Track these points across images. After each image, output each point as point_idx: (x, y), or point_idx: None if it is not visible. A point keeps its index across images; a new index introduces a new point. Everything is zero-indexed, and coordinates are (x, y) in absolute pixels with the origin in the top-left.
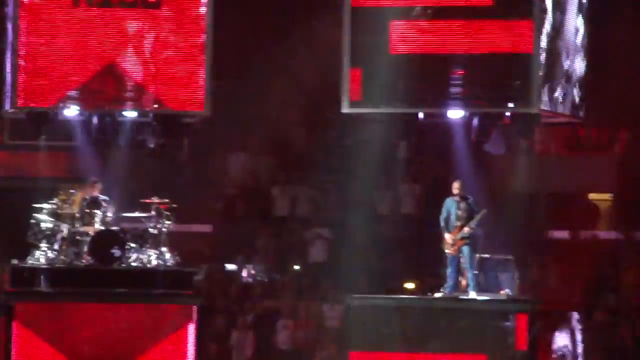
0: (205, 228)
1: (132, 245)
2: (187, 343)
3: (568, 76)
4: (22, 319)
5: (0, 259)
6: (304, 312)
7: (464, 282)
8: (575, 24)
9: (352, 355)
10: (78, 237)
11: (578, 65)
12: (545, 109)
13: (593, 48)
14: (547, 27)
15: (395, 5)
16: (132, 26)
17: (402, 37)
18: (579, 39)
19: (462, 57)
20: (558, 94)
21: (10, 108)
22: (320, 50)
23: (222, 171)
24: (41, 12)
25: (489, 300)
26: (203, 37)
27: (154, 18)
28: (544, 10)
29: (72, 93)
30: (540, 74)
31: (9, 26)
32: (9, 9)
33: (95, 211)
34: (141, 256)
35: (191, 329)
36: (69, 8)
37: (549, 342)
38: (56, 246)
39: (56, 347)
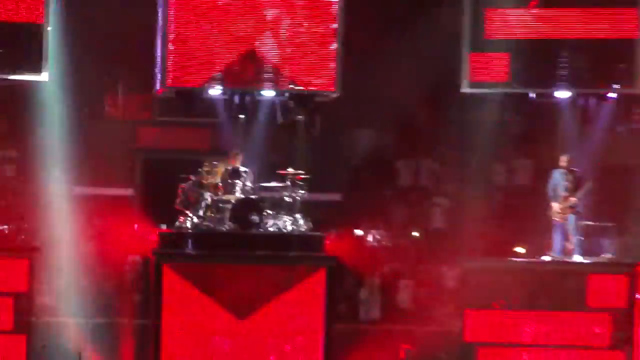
0: (335, 197)
1: (269, 212)
2: (319, 301)
3: None
4: (170, 276)
5: (152, 223)
6: (423, 274)
7: (569, 247)
8: None
9: (468, 312)
10: (220, 205)
11: None
12: None
13: None
14: None
15: None
16: (269, 13)
17: (517, 22)
18: None
19: (571, 42)
20: None
21: (161, 87)
22: (442, 36)
23: (351, 145)
24: (188, 1)
25: (593, 262)
26: (335, 23)
27: (289, 5)
28: None
29: (216, 74)
30: None
31: (159, 13)
32: None
33: (236, 181)
34: (277, 222)
35: (322, 288)
36: None
37: None
38: (201, 213)
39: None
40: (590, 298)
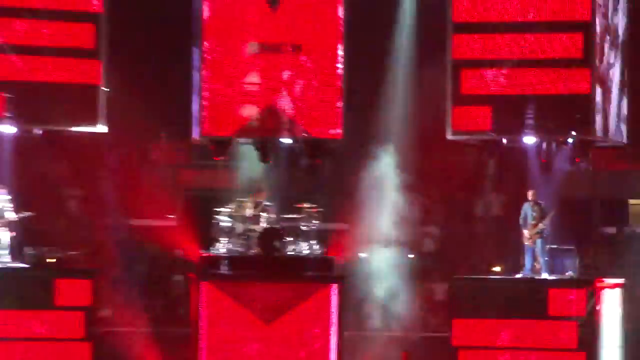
0: (343, 226)
1: (289, 239)
2: (330, 312)
3: (616, 109)
4: (208, 292)
5: (193, 248)
6: (418, 289)
7: (537, 266)
8: (621, 68)
9: (455, 321)
10: (249, 233)
11: (622, 101)
12: (599, 135)
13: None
14: (601, 72)
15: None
16: (286, 74)
17: (489, 81)
18: (621, 79)
19: (536, 97)
20: (609, 123)
21: (197, 137)
22: (430, 91)
23: (356, 181)
24: (219, 64)
25: (557, 279)
26: (340, 82)
27: (302, 67)
28: (600, 60)
29: (244, 126)
30: (597, 108)
31: (195, 74)
32: (195, 62)
33: (261, 213)
34: (295, 247)
35: (333, 301)
36: (240, 59)
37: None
38: (232, 240)
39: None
40: (553, 309)
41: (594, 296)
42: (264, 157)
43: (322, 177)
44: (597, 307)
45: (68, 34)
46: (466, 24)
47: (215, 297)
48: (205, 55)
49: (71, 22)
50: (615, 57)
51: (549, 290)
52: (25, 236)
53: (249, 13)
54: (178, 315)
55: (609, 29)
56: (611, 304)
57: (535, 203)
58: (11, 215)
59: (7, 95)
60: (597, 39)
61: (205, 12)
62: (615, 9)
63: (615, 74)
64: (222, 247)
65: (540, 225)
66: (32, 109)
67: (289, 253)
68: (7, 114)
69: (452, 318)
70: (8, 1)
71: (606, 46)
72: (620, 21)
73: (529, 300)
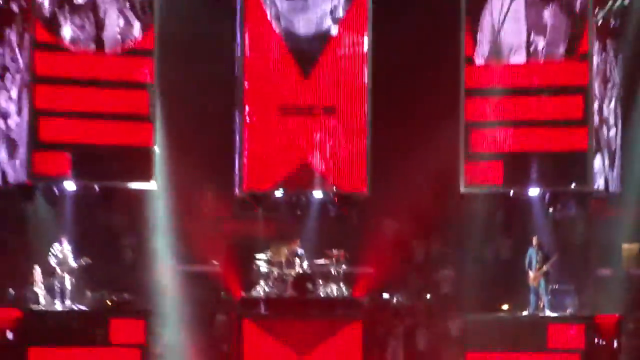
0: (369, 270)
1: (320, 282)
2: (356, 347)
3: (610, 162)
4: (249, 329)
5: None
6: (435, 326)
7: (541, 304)
8: (616, 125)
9: (468, 355)
10: (284, 277)
11: (616, 154)
12: (594, 188)
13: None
14: (598, 130)
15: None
16: (317, 135)
17: (497, 139)
18: (616, 135)
19: (539, 154)
20: (604, 175)
21: (239, 192)
22: (445, 148)
23: (380, 230)
24: (257, 126)
25: (559, 316)
26: (365, 141)
27: (332, 130)
28: (599, 119)
29: (279, 181)
30: (593, 163)
31: (237, 136)
32: (237, 125)
33: (295, 259)
34: (326, 289)
35: (359, 336)
36: (277, 121)
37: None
38: (270, 283)
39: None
40: (555, 342)
41: (592, 330)
42: (297, 209)
43: (349, 225)
44: (597, 340)
45: (124, 101)
46: (477, 89)
47: (255, 334)
48: (245, 119)
49: (126, 90)
50: (612, 114)
51: (550, 325)
52: (85, 281)
53: (285, 80)
54: (222, 352)
55: (607, 88)
56: (609, 337)
57: (539, 248)
58: (72, 263)
59: (70, 155)
60: (596, 101)
61: (246, 83)
62: (612, 70)
63: (612, 131)
64: (260, 289)
65: (543, 268)
66: (92, 167)
67: (320, 294)
68: (70, 173)
69: (465, 351)
70: (74, 73)
71: (605, 105)
72: (616, 79)
73: (534, 334)
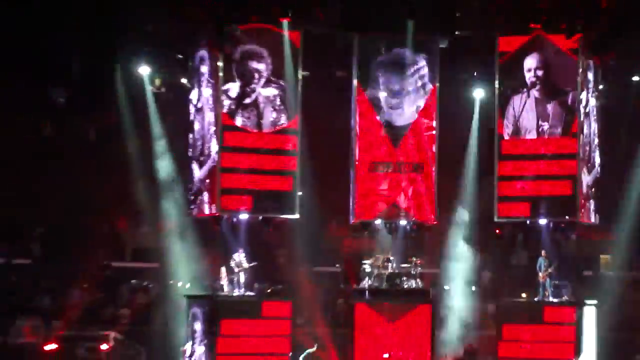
0: (436, 270)
1: (404, 278)
2: (427, 319)
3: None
4: (359, 310)
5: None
6: (479, 307)
7: (547, 294)
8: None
9: (504, 326)
10: (381, 275)
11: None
12: (580, 218)
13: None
14: (585, 181)
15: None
16: (403, 182)
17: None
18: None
19: (547, 197)
20: (588, 210)
21: (353, 219)
22: (484, 195)
23: (444, 244)
24: (364, 177)
25: (558, 301)
26: (434, 187)
27: (413, 178)
28: (588, 170)
29: (379, 214)
30: (579, 203)
31: (351, 185)
32: (351, 177)
33: (388, 264)
34: (408, 283)
35: (428, 313)
36: (377, 176)
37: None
38: (372, 279)
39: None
40: (557, 318)
41: (580, 311)
42: (390, 232)
43: (423, 242)
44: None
45: (277, 162)
46: (506, 155)
47: (363, 312)
48: (357, 173)
49: (279, 156)
50: (593, 171)
51: (551, 307)
52: (253, 277)
53: (381, 148)
54: (341, 324)
55: (589, 155)
56: (590, 317)
57: (546, 257)
58: (245, 265)
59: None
60: (582, 163)
61: (357, 150)
62: (592, 144)
63: (594, 177)
64: (366, 283)
65: (548, 271)
66: (258, 205)
67: (404, 286)
68: (243, 208)
69: (501, 324)
70: (245, 144)
71: (592, 156)
72: (595, 149)
73: (543, 313)
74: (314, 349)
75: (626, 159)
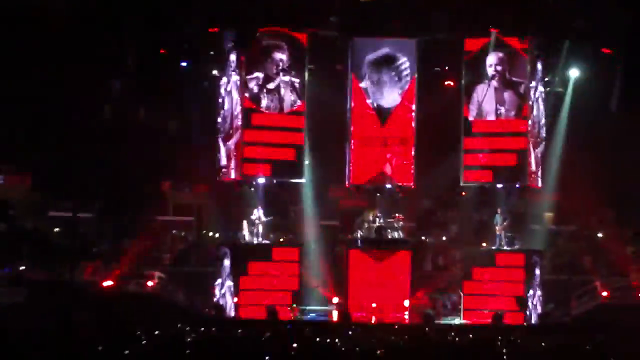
0: (413, 224)
1: (389, 230)
2: (407, 262)
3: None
4: (352, 255)
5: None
6: (449, 254)
7: (502, 243)
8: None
9: (473, 269)
10: (371, 228)
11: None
12: (529, 184)
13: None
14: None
15: None
16: (387, 154)
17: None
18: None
19: (503, 167)
20: (536, 176)
21: (348, 183)
22: (452, 162)
23: (419, 205)
24: (357, 149)
25: (510, 249)
26: (411, 158)
27: (394, 151)
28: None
29: (369, 179)
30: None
31: (347, 155)
32: (347, 149)
33: (377, 218)
34: (392, 234)
35: (408, 258)
36: (366, 147)
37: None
38: (363, 231)
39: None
40: (508, 262)
41: (529, 257)
42: (377, 194)
43: (404, 202)
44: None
45: (289, 137)
46: (469, 134)
47: (356, 257)
48: (351, 146)
49: (290, 132)
50: (540, 145)
51: (505, 254)
52: (269, 228)
53: (371, 125)
54: (338, 266)
55: (537, 132)
56: (536, 262)
57: (501, 214)
58: (263, 219)
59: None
60: (530, 140)
61: (352, 127)
62: (540, 124)
63: (538, 152)
64: (358, 234)
65: (504, 225)
66: (271, 171)
67: (389, 237)
68: (260, 174)
69: (470, 267)
70: (265, 123)
71: (540, 133)
72: (542, 128)
73: (497, 259)
74: (317, 286)
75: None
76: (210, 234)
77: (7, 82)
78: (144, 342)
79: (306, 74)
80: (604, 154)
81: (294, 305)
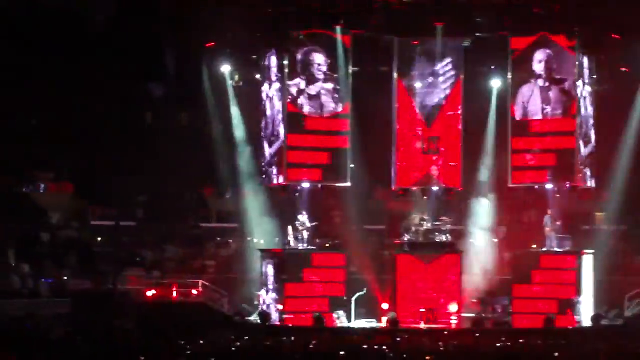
0: (461, 227)
1: (437, 233)
2: (457, 264)
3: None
4: (400, 259)
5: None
6: (499, 257)
7: (552, 244)
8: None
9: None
10: (419, 231)
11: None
12: (578, 184)
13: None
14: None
15: None
16: (434, 157)
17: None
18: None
19: (552, 166)
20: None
21: (394, 186)
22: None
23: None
24: (403, 151)
25: (563, 251)
26: (459, 160)
27: (441, 153)
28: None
29: (416, 181)
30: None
31: (393, 157)
32: (393, 151)
33: (424, 222)
34: (440, 238)
35: (457, 260)
36: (413, 149)
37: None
38: (411, 235)
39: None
40: (562, 265)
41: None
42: (424, 196)
43: (452, 204)
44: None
45: (331, 141)
46: (517, 132)
47: (404, 260)
48: (398, 147)
49: (329, 137)
50: (592, 137)
51: (557, 256)
52: (315, 234)
53: (417, 127)
54: (386, 270)
55: (586, 130)
56: (588, 264)
57: (551, 215)
58: (308, 224)
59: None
60: (579, 137)
61: (398, 127)
62: (588, 123)
63: (590, 150)
64: (406, 237)
65: (554, 226)
66: (315, 175)
67: (436, 240)
68: (304, 178)
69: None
70: (307, 127)
71: (589, 133)
72: (590, 127)
73: (550, 261)
74: (364, 292)
75: (618, 135)
76: (255, 240)
77: (46, 88)
78: (188, 352)
79: (350, 76)
80: None
81: (341, 311)
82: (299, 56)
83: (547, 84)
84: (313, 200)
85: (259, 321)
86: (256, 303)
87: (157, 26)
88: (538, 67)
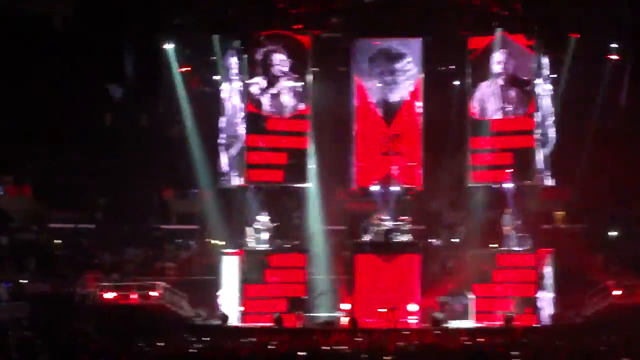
0: (422, 227)
1: (396, 233)
2: (417, 265)
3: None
4: (359, 259)
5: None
6: (457, 256)
7: (512, 244)
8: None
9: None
10: (378, 231)
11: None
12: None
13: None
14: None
15: None
16: (393, 156)
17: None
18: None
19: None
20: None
21: (354, 186)
22: (458, 162)
23: (426, 206)
24: (363, 151)
25: (523, 249)
26: (420, 160)
27: (401, 152)
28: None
29: (375, 181)
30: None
31: (352, 157)
32: (351, 150)
33: (382, 222)
34: (400, 238)
35: (418, 261)
36: (373, 148)
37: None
38: (370, 234)
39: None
40: (519, 263)
41: (537, 258)
42: (384, 196)
43: (411, 204)
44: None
45: (292, 142)
46: (475, 131)
47: (363, 260)
48: (357, 147)
49: (293, 137)
50: (550, 136)
51: (516, 255)
52: (274, 234)
53: (376, 127)
54: (346, 270)
55: (544, 129)
56: (547, 262)
57: (510, 214)
58: (268, 225)
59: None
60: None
61: (356, 127)
62: (546, 122)
63: (550, 149)
64: (366, 237)
65: (513, 225)
66: (275, 176)
67: (396, 240)
68: (262, 179)
69: (491, 270)
70: (267, 128)
71: (548, 131)
72: (549, 125)
73: (507, 259)
74: (325, 293)
75: (579, 134)
76: (215, 241)
77: (4, 90)
78: (147, 354)
79: (310, 77)
80: (615, 150)
81: (301, 312)
82: (260, 56)
83: (506, 83)
84: (273, 200)
85: (219, 323)
86: (216, 305)
87: (116, 27)
88: (497, 66)
